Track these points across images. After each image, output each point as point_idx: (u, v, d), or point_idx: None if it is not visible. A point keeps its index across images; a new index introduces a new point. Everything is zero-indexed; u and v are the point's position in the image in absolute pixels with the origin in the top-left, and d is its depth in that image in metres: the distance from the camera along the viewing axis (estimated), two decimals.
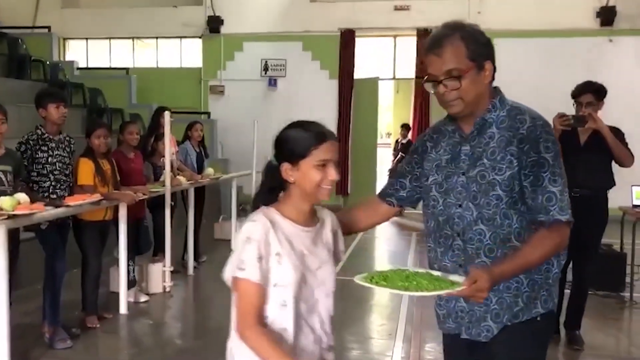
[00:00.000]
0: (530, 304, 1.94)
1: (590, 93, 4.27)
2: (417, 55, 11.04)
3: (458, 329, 2.05)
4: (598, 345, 4.54)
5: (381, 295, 6.32)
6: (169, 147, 5.61)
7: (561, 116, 4.18)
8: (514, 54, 10.39)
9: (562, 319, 4.56)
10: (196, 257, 6.54)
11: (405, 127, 10.96)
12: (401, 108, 11.68)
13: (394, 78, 11.69)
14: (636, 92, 10.38)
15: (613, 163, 4.27)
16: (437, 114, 11.13)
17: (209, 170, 6.82)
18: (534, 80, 10.08)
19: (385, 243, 9.14)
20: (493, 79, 1.93)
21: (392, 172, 10.66)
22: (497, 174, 1.86)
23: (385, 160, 11.69)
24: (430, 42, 1.89)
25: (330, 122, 11.41)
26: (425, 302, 5.55)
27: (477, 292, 1.71)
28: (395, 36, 11.52)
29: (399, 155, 10.87)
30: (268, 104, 11.53)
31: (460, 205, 1.93)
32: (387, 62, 11.69)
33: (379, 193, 2.23)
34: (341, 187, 11.42)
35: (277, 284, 1.73)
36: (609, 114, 4.71)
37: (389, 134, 13.74)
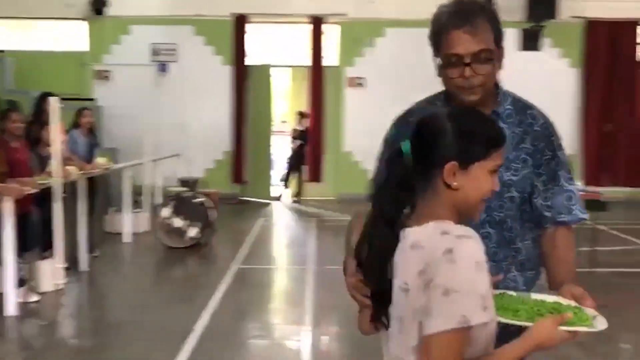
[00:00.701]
0: None
1: None
2: (312, 42, 11.09)
3: None
4: None
5: (283, 282, 6.35)
6: (57, 136, 5.26)
7: None
8: (404, 44, 10.75)
9: None
10: (89, 252, 6.20)
11: (301, 115, 11.00)
12: (296, 96, 11.70)
13: (288, 65, 11.68)
14: (520, 83, 11.06)
15: None
16: (332, 103, 11.29)
17: (100, 160, 6.48)
18: (422, 71, 10.43)
19: (286, 229, 9.17)
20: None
21: (293, 161, 10.72)
22: (512, 174, 1.73)
23: (281, 148, 11.67)
24: (458, 16, 1.66)
25: (224, 109, 11.23)
26: (329, 286, 5.65)
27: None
28: (289, 22, 11.50)
29: (299, 143, 10.92)
30: (159, 90, 11.12)
31: None
32: (281, 49, 11.65)
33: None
34: (237, 175, 11.28)
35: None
36: None
37: (284, 122, 13.72)
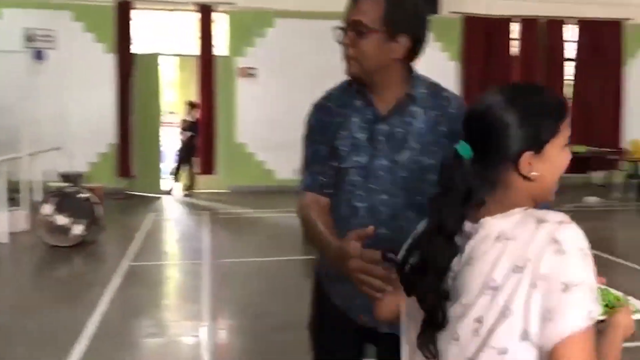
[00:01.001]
0: None
1: None
2: (201, 31, 10.83)
3: None
4: None
5: (177, 277, 6.17)
6: None
7: None
8: (295, 34, 10.78)
9: None
10: None
11: (190, 105, 10.71)
12: (185, 86, 11.37)
13: (175, 54, 11.31)
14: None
15: None
16: (223, 93, 11.08)
17: None
18: (313, 62, 10.55)
19: (178, 224, 8.92)
20: (411, 59, 1.76)
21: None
22: (430, 157, 1.71)
23: (169, 139, 11.30)
24: None
25: (109, 100, 10.69)
26: (224, 280, 5.56)
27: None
28: (174, 10, 11.13)
29: (189, 134, 10.63)
30: (35, 78, 10.35)
31: (385, 192, 1.74)
32: (168, 38, 11.26)
33: (311, 188, 1.82)
34: (123, 169, 10.81)
35: None
36: None
37: (171, 113, 13.31)
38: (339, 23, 1.73)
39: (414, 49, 1.73)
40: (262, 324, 4.43)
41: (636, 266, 5.95)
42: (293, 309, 4.68)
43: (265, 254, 6.60)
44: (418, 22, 1.72)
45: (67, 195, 6.86)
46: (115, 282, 5.37)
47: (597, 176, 11.61)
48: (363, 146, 1.75)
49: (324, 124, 1.81)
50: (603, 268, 6.16)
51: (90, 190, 7.41)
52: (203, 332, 4.29)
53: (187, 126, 10.69)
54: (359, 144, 1.75)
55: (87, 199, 6.91)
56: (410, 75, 1.78)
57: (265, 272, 5.88)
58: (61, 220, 6.67)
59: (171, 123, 11.58)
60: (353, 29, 1.68)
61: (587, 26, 11.83)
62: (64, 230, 6.65)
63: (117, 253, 6.53)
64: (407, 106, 1.75)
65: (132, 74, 10.63)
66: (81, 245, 6.71)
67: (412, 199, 1.72)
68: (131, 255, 6.42)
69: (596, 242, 1.87)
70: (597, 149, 11.27)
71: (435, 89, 1.80)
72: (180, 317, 4.81)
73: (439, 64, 11.59)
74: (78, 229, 6.68)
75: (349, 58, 1.71)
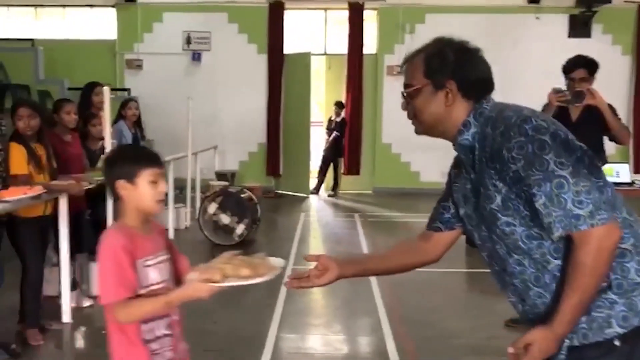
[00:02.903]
0: (597, 325, 1.59)
1: (583, 68, 4.10)
2: (350, 29, 10.68)
3: None
4: None
5: (346, 287, 5.95)
6: (108, 129, 4.91)
7: (557, 92, 3.99)
8: (443, 30, 10.27)
9: None
10: None
11: (338, 105, 10.59)
12: (333, 85, 11.27)
13: (325, 54, 11.26)
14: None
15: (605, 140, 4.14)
16: (370, 92, 10.89)
17: None
18: None
19: (330, 226, 8.76)
20: (473, 98, 1.72)
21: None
22: (489, 203, 1.67)
23: (318, 139, 11.27)
24: (405, 57, 1.84)
25: (259, 99, 10.86)
26: (395, 293, 5.27)
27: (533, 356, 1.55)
28: (326, 9, 11.07)
29: (334, 134, 10.52)
30: (192, 79, 10.76)
31: (490, 241, 1.75)
32: (318, 37, 11.23)
33: (426, 227, 2.05)
34: (272, 168, 10.93)
35: None
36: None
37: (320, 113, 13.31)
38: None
39: (469, 88, 1.71)
40: (453, 348, 4.09)
41: None
42: (479, 330, 4.32)
43: None
44: (461, 62, 1.71)
45: (231, 194, 6.93)
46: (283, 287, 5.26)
47: None
48: (469, 196, 1.79)
49: (450, 174, 1.94)
50: None
51: (250, 189, 7.46)
52: (392, 348, 4.03)
53: (334, 126, 10.58)
54: (467, 196, 1.80)
55: (249, 199, 6.95)
56: (466, 119, 1.72)
57: (435, 285, 5.52)
58: (225, 219, 6.74)
59: (319, 123, 11.51)
60: (406, 93, 1.77)
61: None
62: (228, 229, 6.72)
63: (278, 254, 6.45)
64: (470, 153, 1.72)
65: (283, 74, 10.71)
66: (242, 244, 6.73)
67: (504, 242, 1.69)
68: (292, 257, 6.32)
69: None
70: None
71: (485, 126, 1.68)
72: (360, 331, 4.58)
73: (609, 58, 10.60)
74: (240, 228, 6.72)
75: (410, 118, 1.80)
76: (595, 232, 1.49)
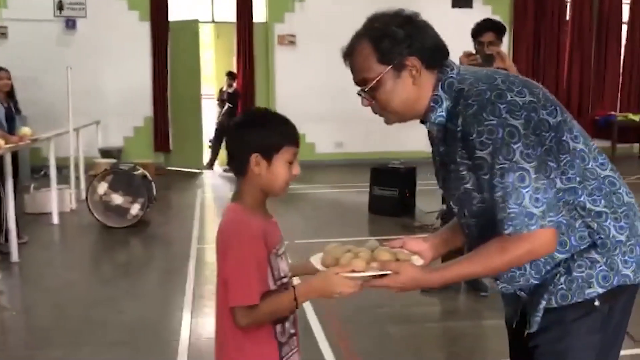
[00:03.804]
0: (576, 286, 1.56)
1: (491, 31, 4.10)
2: None
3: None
4: None
5: None
6: None
7: (468, 55, 3.96)
8: None
9: None
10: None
11: (230, 75, 10.14)
12: (222, 55, 10.77)
13: (213, 21, 10.70)
14: (453, 41, 10.87)
15: None
16: (262, 62, 10.52)
17: (25, 130, 5.45)
18: (358, 26, 9.94)
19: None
20: (436, 67, 1.58)
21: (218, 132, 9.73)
22: (463, 182, 1.58)
23: (209, 112, 10.76)
24: (345, 49, 1.63)
25: (144, 70, 10.15)
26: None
27: (393, 284, 1.56)
28: None
29: (226, 106, 10.09)
30: (67, 49, 9.81)
31: (464, 215, 1.67)
32: (205, 4, 10.64)
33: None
34: (161, 143, 10.31)
35: None
36: None
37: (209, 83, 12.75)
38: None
39: (430, 58, 1.57)
40: (377, 317, 3.99)
41: None
42: (400, 299, 4.25)
43: (333, 233, 6.09)
44: (415, 34, 1.55)
45: (123, 173, 6.39)
46: (192, 268, 4.93)
47: None
48: (439, 169, 1.71)
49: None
50: None
51: (143, 166, 6.93)
52: (315, 322, 3.85)
53: (226, 97, 10.14)
54: (438, 167, 1.72)
55: (143, 176, 6.44)
56: (435, 93, 1.59)
57: None
58: (117, 199, 6.21)
59: (210, 95, 10.99)
60: (363, 90, 1.60)
61: None
62: (121, 210, 6.20)
63: (180, 235, 6.07)
64: (441, 126, 1.60)
65: (169, 43, 10.07)
66: (137, 226, 6.26)
67: (481, 224, 1.62)
68: (194, 238, 5.95)
69: None
70: None
71: (456, 99, 1.55)
72: None
73: None
74: (135, 209, 6.23)
75: (378, 114, 1.64)
76: (540, 234, 1.47)
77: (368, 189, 7.07)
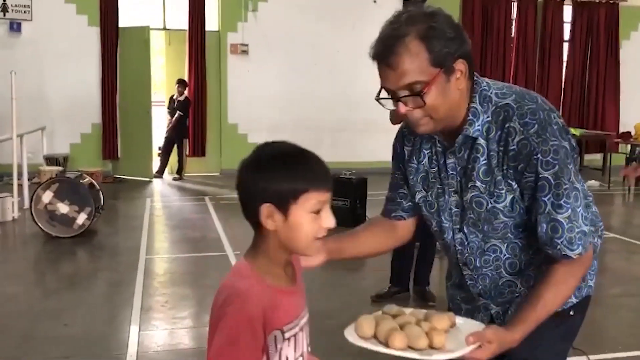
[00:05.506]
0: None
1: None
2: (190, 4, 10.15)
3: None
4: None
5: (211, 275, 5.63)
6: None
7: None
8: (285, 10, 10.22)
9: (412, 275, 4.56)
10: None
11: (181, 83, 10.02)
12: (174, 62, 10.63)
13: (164, 28, 10.57)
14: None
15: None
16: (214, 71, 10.44)
17: None
18: (309, 36, 10.04)
19: (182, 211, 8.28)
20: (474, 69, 1.49)
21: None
22: (495, 201, 1.51)
23: (159, 120, 10.59)
24: (379, 47, 1.42)
25: (92, 76, 9.95)
26: None
27: (488, 355, 1.43)
28: None
29: (177, 114, 9.97)
30: (10, 52, 9.51)
31: (460, 230, 1.62)
32: (156, 11, 10.51)
33: (382, 213, 1.81)
34: (109, 150, 10.10)
35: None
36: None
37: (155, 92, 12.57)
38: (390, 94, 1.47)
39: (471, 63, 1.47)
40: (326, 329, 4.02)
41: None
42: (349, 308, 4.26)
43: None
44: (460, 36, 1.43)
45: (69, 181, 6.23)
46: (140, 279, 4.84)
47: (593, 159, 11.55)
48: (431, 180, 1.62)
49: (398, 151, 1.70)
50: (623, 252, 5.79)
51: (90, 175, 6.78)
52: None
53: (177, 105, 10.03)
54: (427, 178, 1.63)
55: (91, 185, 6.30)
56: (472, 105, 1.49)
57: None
58: (63, 208, 6.04)
59: (161, 102, 10.83)
60: (409, 94, 1.42)
61: (583, 7, 11.67)
62: (67, 219, 6.03)
63: (128, 245, 5.96)
64: (471, 141, 1.52)
65: (119, 49, 9.89)
66: (84, 235, 6.11)
67: (487, 235, 1.58)
68: (143, 247, 5.85)
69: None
70: (593, 131, 11.21)
71: (500, 116, 1.48)
72: None
73: None
74: (82, 218, 6.07)
75: (416, 121, 1.46)
76: (588, 254, 1.52)
77: None
